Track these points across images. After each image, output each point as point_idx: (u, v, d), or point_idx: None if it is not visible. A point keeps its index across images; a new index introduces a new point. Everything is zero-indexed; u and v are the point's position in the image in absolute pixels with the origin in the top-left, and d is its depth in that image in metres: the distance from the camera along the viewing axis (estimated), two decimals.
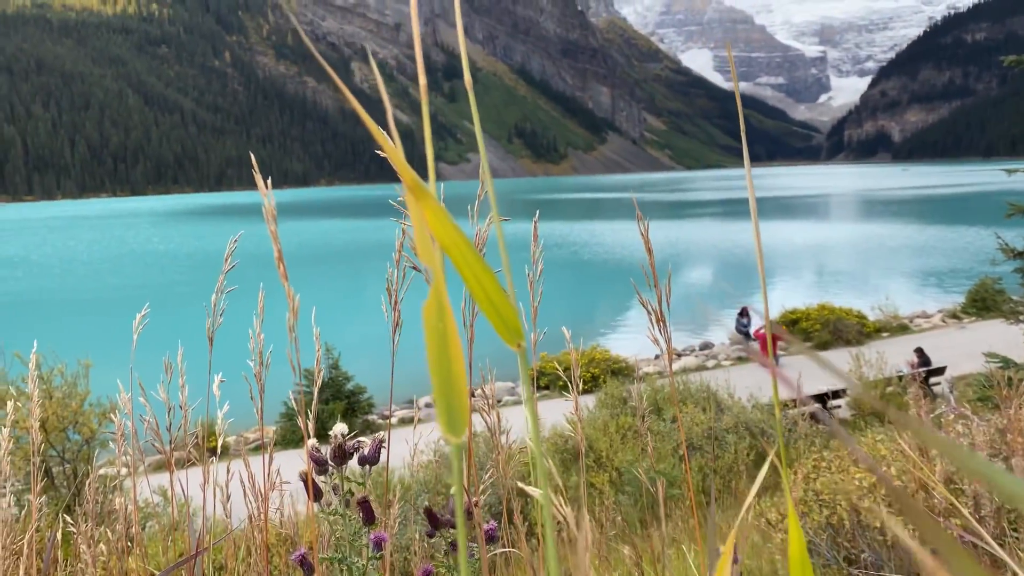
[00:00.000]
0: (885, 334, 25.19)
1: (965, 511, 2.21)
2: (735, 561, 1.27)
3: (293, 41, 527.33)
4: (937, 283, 38.38)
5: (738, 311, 26.28)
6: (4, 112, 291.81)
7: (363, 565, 1.60)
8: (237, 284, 2.10)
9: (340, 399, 19.03)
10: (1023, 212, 11.69)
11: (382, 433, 1.70)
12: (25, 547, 2.15)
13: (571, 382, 2.14)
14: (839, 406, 16.34)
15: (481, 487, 1.85)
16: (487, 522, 1.64)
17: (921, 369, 17.00)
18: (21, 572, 2.15)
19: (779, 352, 22.49)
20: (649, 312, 1.86)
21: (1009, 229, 13.43)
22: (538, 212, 2.05)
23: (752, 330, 24.56)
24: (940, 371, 17.31)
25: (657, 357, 24.99)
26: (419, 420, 2.55)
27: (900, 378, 16.04)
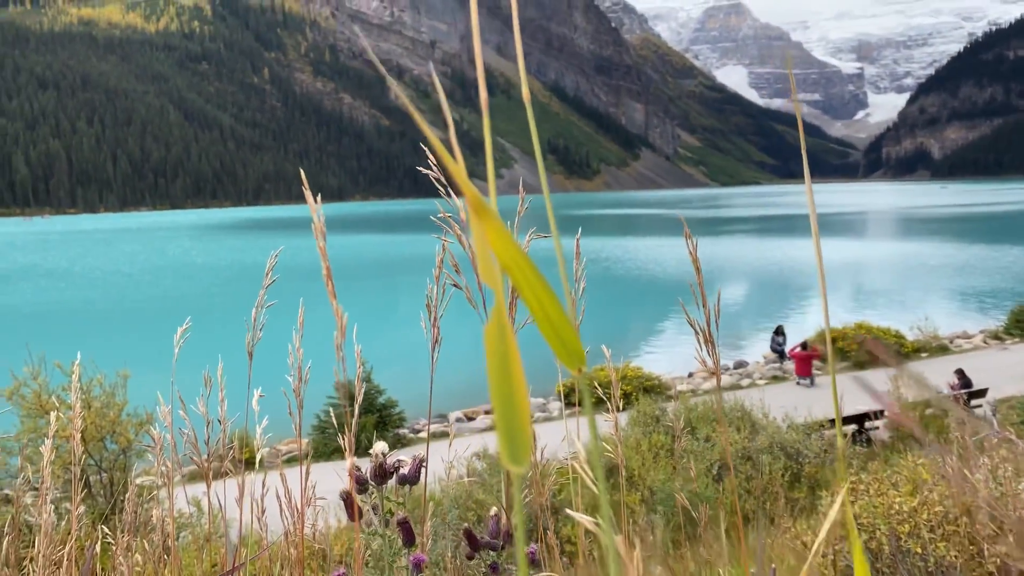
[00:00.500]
0: (924, 354, 24.72)
1: (1010, 537, 2.15)
2: None
3: (330, 58, 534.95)
4: (978, 303, 37.61)
5: (774, 330, 25.98)
6: (50, 127, 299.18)
7: None
8: (274, 297, 2.11)
9: (372, 412, 19.11)
10: None
11: (422, 452, 1.69)
12: (65, 559, 2.18)
13: (610, 401, 2.12)
14: (877, 427, 16.05)
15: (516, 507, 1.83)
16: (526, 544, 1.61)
17: (962, 391, 16.64)
18: None
19: (814, 372, 22.17)
20: (697, 332, 1.83)
21: None
22: (580, 228, 2.04)
23: (787, 349, 24.25)
24: (982, 393, 16.92)
25: (690, 375, 24.76)
26: (454, 435, 2.53)
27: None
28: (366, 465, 1.83)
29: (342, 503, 1.65)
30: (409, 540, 1.60)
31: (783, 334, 25.46)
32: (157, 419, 2.24)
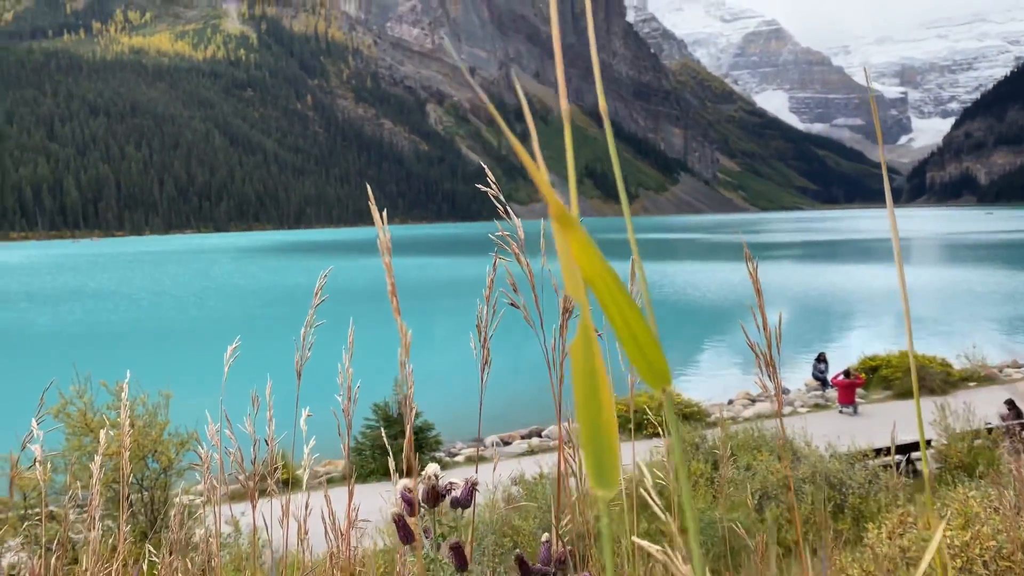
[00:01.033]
0: (972, 383, 24.08)
1: None
2: None
3: (372, 84, 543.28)
4: None
5: (816, 357, 25.56)
6: (100, 152, 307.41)
7: None
8: (317, 317, 2.13)
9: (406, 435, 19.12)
10: None
11: (475, 475, 1.67)
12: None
13: (662, 427, 2.08)
14: (920, 458, 15.61)
15: (563, 532, 1.80)
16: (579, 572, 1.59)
17: (1014, 422, 16.16)
18: None
19: (856, 401, 21.73)
20: (757, 355, 1.80)
21: None
22: (635, 250, 2.02)
23: (830, 376, 23.82)
24: None
25: (730, 402, 24.41)
26: (497, 459, 2.52)
27: (990, 430, 15.27)
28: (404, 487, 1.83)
29: (390, 524, 1.63)
30: (461, 565, 1.58)
31: (825, 361, 25.03)
32: (204, 438, 2.26)
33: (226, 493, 2.80)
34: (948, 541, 4.61)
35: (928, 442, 15.20)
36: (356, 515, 1.99)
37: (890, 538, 4.95)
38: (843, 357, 27.37)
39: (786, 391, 25.98)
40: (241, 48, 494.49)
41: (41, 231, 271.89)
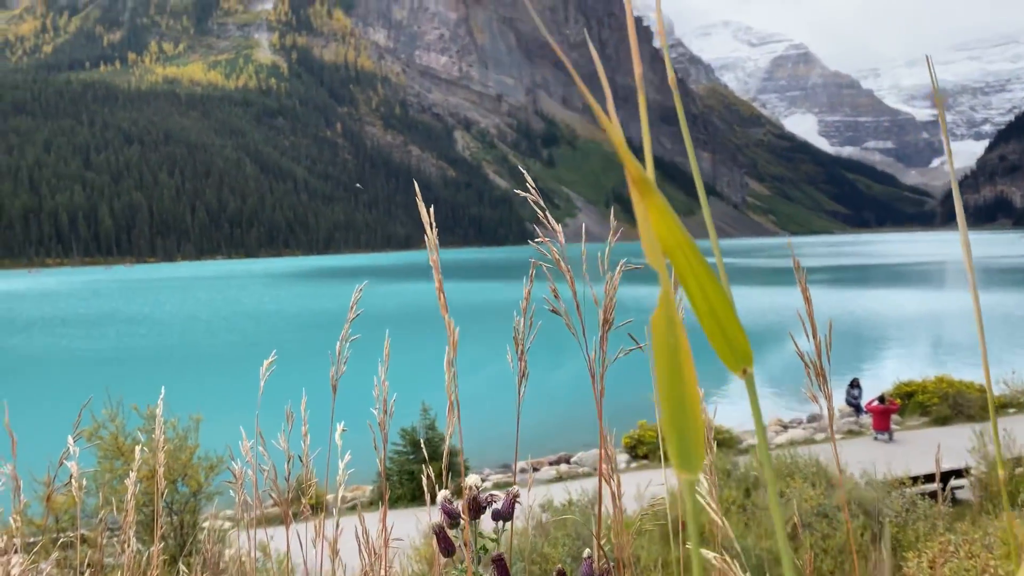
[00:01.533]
0: (1012, 410, 23.53)
1: None
2: None
3: (400, 112, 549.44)
4: None
5: (849, 382, 25.16)
6: (134, 179, 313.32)
7: None
8: (357, 335, 2.11)
9: (437, 460, 19.04)
10: None
11: (516, 488, 1.62)
12: None
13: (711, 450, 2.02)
14: (962, 486, 15.26)
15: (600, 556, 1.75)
16: None
17: None
18: None
19: (892, 427, 21.31)
20: (807, 365, 1.74)
21: None
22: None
23: (864, 402, 23.41)
24: None
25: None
26: (531, 482, 2.47)
27: None
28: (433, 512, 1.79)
29: (418, 549, 1.59)
30: None
31: (859, 387, 24.62)
32: (238, 454, 2.24)
33: (258, 515, 2.78)
34: (992, 571, 4.46)
35: (967, 470, 14.85)
36: (390, 531, 1.95)
37: (931, 567, 4.80)
38: (877, 382, 26.93)
39: (819, 417, 25.56)
40: (272, 77, 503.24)
41: (76, 257, 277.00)
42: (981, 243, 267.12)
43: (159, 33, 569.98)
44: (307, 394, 2.18)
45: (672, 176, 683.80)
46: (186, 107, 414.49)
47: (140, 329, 60.96)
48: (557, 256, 1.68)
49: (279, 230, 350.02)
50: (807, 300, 1.62)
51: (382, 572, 1.89)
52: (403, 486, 17.57)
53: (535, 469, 20.58)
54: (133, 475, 2.20)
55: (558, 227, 1.70)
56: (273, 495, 2.08)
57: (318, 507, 2.21)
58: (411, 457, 18.43)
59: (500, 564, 1.53)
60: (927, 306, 61.32)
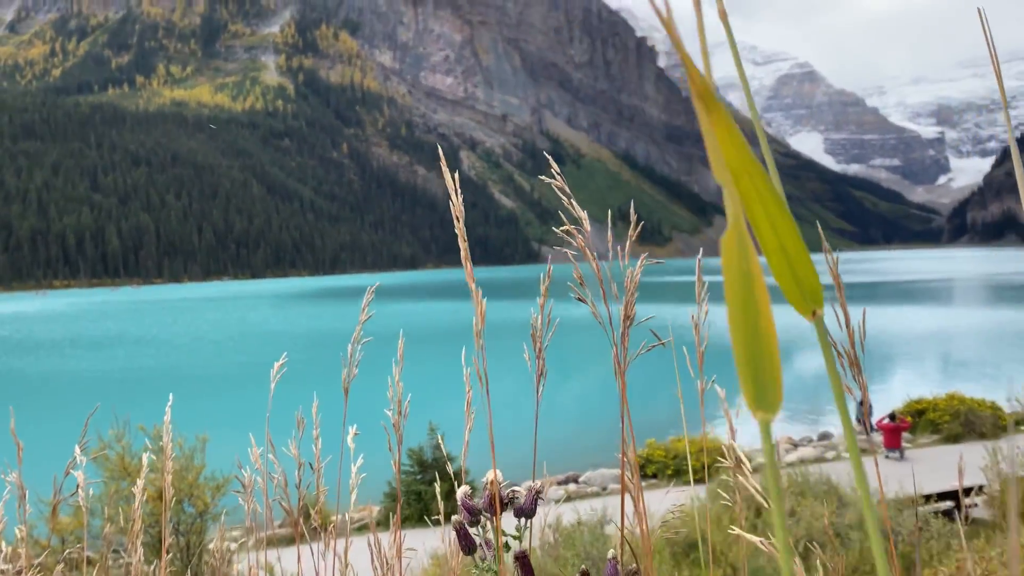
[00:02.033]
0: None
1: None
2: None
3: (406, 132, 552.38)
4: None
5: (859, 400, 24.99)
6: (141, 201, 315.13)
7: None
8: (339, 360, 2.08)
9: (445, 479, 18.94)
10: None
11: (539, 482, 1.56)
12: None
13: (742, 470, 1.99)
14: (975, 504, 15.08)
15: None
16: None
17: None
18: None
19: (903, 445, 21.13)
20: (840, 355, 1.67)
21: None
22: (701, 251, 1.98)
23: (875, 420, 23.23)
24: None
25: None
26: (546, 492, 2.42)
27: None
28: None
29: (426, 569, 1.53)
30: None
31: (869, 405, 24.44)
32: (248, 462, 2.20)
33: (268, 533, 2.74)
34: None
35: (980, 488, 14.68)
36: (403, 540, 1.91)
37: None
38: (888, 400, 26.74)
39: (829, 435, 25.38)
40: (279, 99, 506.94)
41: (83, 279, 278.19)
42: (991, 260, 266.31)
43: (167, 56, 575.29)
44: (318, 408, 2.15)
45: (679, 195, 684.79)
46: (193, 129, 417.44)
47: (148, 350, 61.05)
48: (582, 243, 1.65)
49: (285, 251, 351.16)
50: (839, 287, 1.55)
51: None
52: (410, 507, 17.45)
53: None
54: (140, 482, 2.16)
55: (583, 213, 1.67)
56: (283, 504, 2.04)
57: (325, 526, 2.17)
58: (418, 477, 18.33)
59: (524, 561, 1.47)
60: (936, 323, 61.01)
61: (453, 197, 1.32)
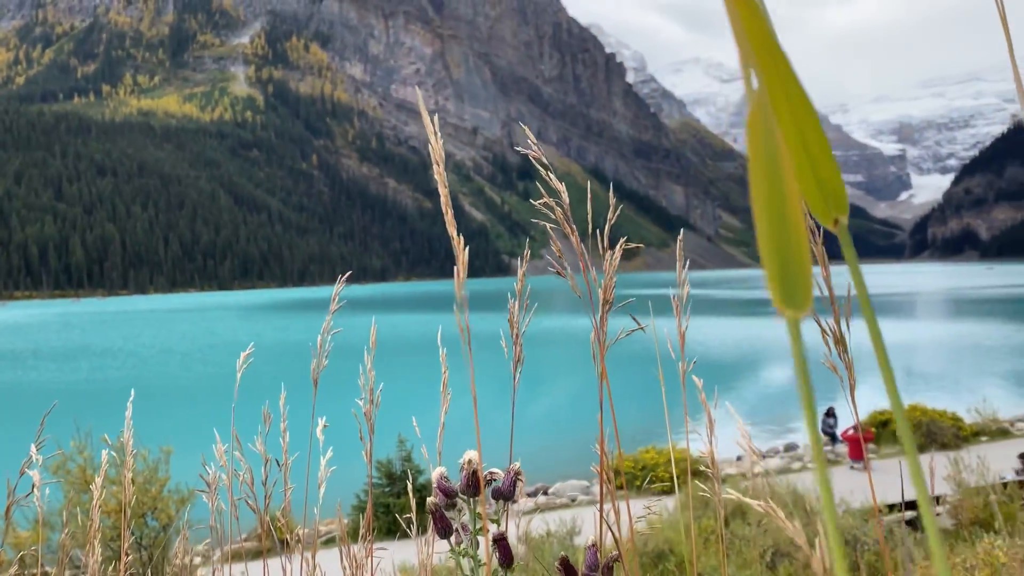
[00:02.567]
0: (984, 438, 23.77)
1: None
2: None
3: (376, 145, 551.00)
4: None
5: (825, 411, 25.29)
6: (107, 211, 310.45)
7: None
8: (326, 375, 2.07)
9: (416, 490, 18.79)
10: None
11: (518, 463, 1.54)
12: None
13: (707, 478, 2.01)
14: (939, 513, 15.31)
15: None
16: None
17: None
18: None
19: (867, 456, 21.42)
20: (825, 332, 1.65)
21: None
22: (688, 262, 2.00)
23: (839, 431, 23.53)
24: None
25: (739, 459, 24.07)
26: (521, 496, 2.42)
27: (1005, 485, 14.99)
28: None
29: (430, 519, 1.49)
30: (507, 561, 1.45)
31: (834, 416, 24.75)
32: (213, 458, 2.18)
33: (226, 553, 2.71)
34: None
35: (941, 498, 14.92)
36: (372, 536, 1.90)
37: None
38: (851, 412, 27.09)
39: (795, 446, 25.64)
40: (248, 110, 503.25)
41: (45, 290, 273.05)
42: (950, 275, 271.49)
43: (134, 65, 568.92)
44: (286, 401, 2.13)
45: (647, 209, 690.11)
46: (161, 139, 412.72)
47: (113, 361, 60.00)
48: (560, 216, 1.66)
49: (253, 262, 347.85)
50: (823, 265, 1.52)
51: None
52: (378, 519, 17.30)
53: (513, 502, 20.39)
54: (96, 489, 2.12)
55: (561, 185, 1.67)
56: (249, 502, 2.02)
57: (291, 530, 2.15)
58: (387, 490, 18.19)
59: (503, 544, 1.45)
60: (899, 336, 62.00)
61: (433, 141, 1.30)
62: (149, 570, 10.29)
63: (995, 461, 16.63)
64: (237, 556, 13.30)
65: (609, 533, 1.91)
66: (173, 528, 10.55)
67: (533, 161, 1.50)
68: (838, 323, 1.55)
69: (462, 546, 1.45)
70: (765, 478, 15.56)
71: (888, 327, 70.26)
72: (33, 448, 2.12)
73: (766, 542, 11.13)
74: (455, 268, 1.41)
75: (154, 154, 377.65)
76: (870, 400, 28.99)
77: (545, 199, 1.56)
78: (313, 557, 2.02)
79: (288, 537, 2.08)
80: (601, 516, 1.61)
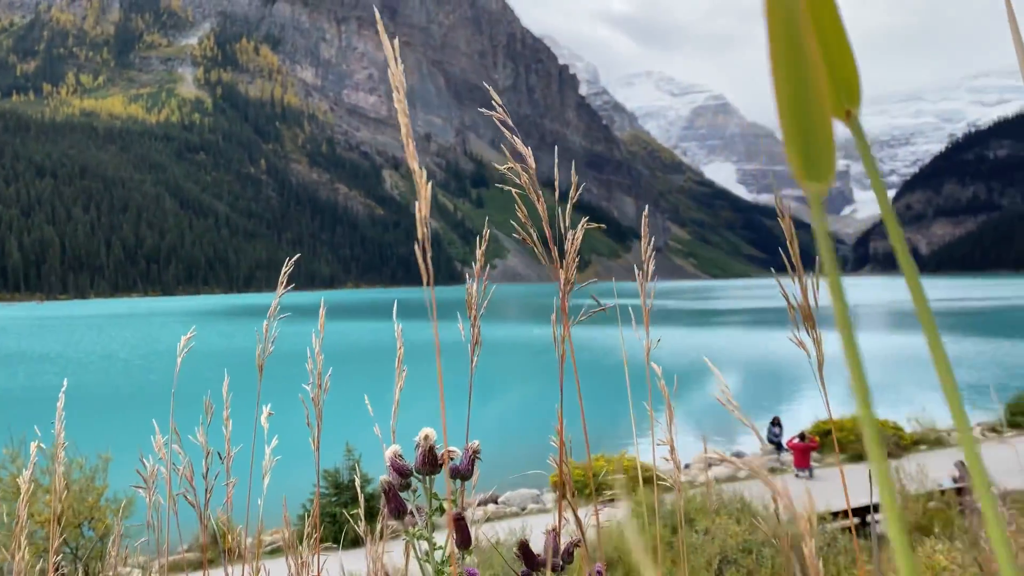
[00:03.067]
0: (923, 447, 24.43)
1: None
2: None
3: (327, 149, 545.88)
4: (974, 396, 37.44)
5: (770, 421, 25.71)
6: (46, 214, 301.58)
7: None
8: (272, 386, 2.01)
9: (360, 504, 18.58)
10: None
11: (476, 441, 1.47)
12: None
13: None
14: (878, 521, 15.65)
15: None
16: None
17: (964, 484, 16.35)
18: None
19: (812, 464, 21.82)
20: (792, 308, 1.63)
21: None
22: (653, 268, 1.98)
23: (784, 440, 23.93)
24: None
25: (687, 466, 24.32)
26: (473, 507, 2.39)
27: (943, 492, 15.42)
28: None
29: (383, 499, 1.40)
30: (464, 542, 1.40)
31: (780, 425, 25.18)
32: (152, 451, 2.10)
33: (164, 566, 2.62)
34: None
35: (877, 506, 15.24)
36: (319, 536, 1.84)
37: None
38: (796, 421, 27.62)
39: (742, 455, 26.00)
40: (195, 112, 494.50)
41: None
42: (890, 288, 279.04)
43: (77, 64, 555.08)
44: (229, 408, 2.06)
45: (598, 220, 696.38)
46: (104, 141, 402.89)
47: (51, 367, 58.22)
48: (526, 181, 1.62)
49: (198, 267, 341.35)
50: (790, 236, 1.50)
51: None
52: (324, 529, 17.04)
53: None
54: (23, 499, 2.03)
55: (527, 150, 1.64)
56: (188, 497, 1.94)
57: (232, 529, 2.08)
58: (333, 499, 17.94)
59: (461, 523, 1.39)
60: (841, 347, 63.31)
61: (392, 66, 1.25)
62: None
63: (934, 470, 17.08)
64: (178, 568, 12.95)
65: (567, 524, 1.88)
66: (111, 538, 10.23)
67: (498, 123, 1.47)
68: (807, 299, 1.55)
69: (417, 528, 1.38)
70: (716, 485, 15.74)
71: (831, 338, 71.78)
72: None
73: (713, 549, 11.24)
74: (422, 268, 1.37)
75: (97, 156, 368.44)
76: (815, 409, 29.57)
77: (511, 163, 1.53)
78: (257, 560, 1.95)
79: (230, 537, 2.00)
80: (560, 504, 1.58)
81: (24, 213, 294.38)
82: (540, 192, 1.60)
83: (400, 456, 1.44)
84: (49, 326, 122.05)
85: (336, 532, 16.52)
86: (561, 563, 1.45)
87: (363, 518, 2.07)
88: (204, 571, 2.14)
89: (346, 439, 17.40)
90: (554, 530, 1.47)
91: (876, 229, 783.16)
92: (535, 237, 1.73)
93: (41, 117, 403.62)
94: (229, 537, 2.04)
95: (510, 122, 1.50)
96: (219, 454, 1.92)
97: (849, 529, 13.85)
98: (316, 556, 1.86)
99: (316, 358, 1.77)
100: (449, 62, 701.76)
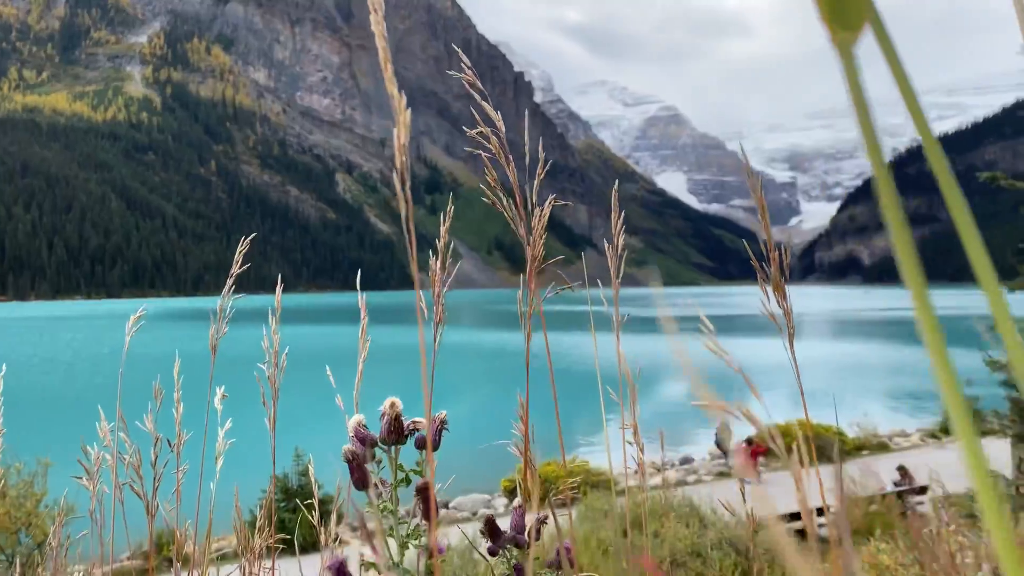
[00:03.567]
0: (865, 452, 25.05)
1: None
2: None
3: (279, 151, 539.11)
4: (914, 402, 38.51)
5: (717, 426, 26.09)
6: None
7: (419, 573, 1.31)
8: (220, 383, 2.00)
9: (312, 510, 18.37)
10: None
11: (444, 412, 1.43)
12: None
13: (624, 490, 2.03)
14: (822, 524, 15.98)
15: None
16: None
17: (907, 487, 16.81)
18: None
19: (759, 468, 22.20)
20: (762, 269, 1.67)
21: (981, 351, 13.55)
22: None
23: (731, 446, 24.32)
24: (923, 490, 17.12)
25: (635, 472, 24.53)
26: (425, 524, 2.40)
27: (884, 496, 15.82)
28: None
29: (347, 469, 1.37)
30: (429, 513, 1.37)
31: (729, 429, 25.57)
32: (97, 438, 2.06)
33: (109, 572, 2.57)
34: None
35: (825, 508, 15.58)
36: (272, 532, 1.83)
37: None
38: (744, 426, 28.07)
39: (691, 459, 26.34)
40: (144, 111, 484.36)
41: None
42: (834, 297, 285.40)
43: (20, 59, 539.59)
44: (180, 391, 2.04)
45: (551, 227, 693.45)
46: (47, 138, 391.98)
47: None
48: (496, 145, 1.63)
49: (144, 269, 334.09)
50: (763, 212, 1.55)
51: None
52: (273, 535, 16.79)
53: (413, 516, 20.16)
54: None
55: (497, 115, 1.65)
56: (135, 487, 1.91)
57: (175, 558, 2.06)
58: (282, 505, 17.71)
59: (426, 495, 1.35)
60: (786, 354, 64.60)
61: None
62: None
63: (874, 474, 17.52)
64: (124, 573, 12.65)
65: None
66: (50, 545, 9.95)
67: (467, 86, 1.48)
68: (779, 271, 1.60)
69: (382, 500, 1.35)
70: (665, 490, 15.90)
71: (777, 345, 73.14)
72: None
73: (662, 552, 11.37)
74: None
75: (39, 153, 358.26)
76: (761, 415, 30.02)
77: (481, 127, 1.55)
78: (206, 566, 1.94)
79: (179, 532, 1.98)
80: (526, 480, 1.60)
81: None
82: (511, 156, 1.62)
83: (364, 426, 1.40)
84: None
85: (287, 539, 16.30)
86: (528, 541, 1.44)
87: (317, 519, 2.07)
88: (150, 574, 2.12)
89: (296, 444, 17.21)
90: (520, 507, 1.47)
91: (821, 240, 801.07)
92: (502, 201, 1.73)
93: None
94: (178, 532, 2.02)
95: (479, 84, 1.51)
96: (168, 441, 1.89)
97: (797, 532, 14.12)
98: (272, 557, 1.86)
99: (272, 336, 1.77)
100: (404, 67, 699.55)
